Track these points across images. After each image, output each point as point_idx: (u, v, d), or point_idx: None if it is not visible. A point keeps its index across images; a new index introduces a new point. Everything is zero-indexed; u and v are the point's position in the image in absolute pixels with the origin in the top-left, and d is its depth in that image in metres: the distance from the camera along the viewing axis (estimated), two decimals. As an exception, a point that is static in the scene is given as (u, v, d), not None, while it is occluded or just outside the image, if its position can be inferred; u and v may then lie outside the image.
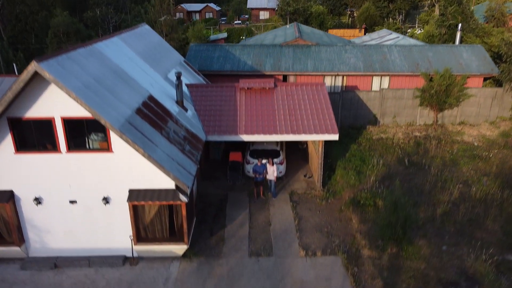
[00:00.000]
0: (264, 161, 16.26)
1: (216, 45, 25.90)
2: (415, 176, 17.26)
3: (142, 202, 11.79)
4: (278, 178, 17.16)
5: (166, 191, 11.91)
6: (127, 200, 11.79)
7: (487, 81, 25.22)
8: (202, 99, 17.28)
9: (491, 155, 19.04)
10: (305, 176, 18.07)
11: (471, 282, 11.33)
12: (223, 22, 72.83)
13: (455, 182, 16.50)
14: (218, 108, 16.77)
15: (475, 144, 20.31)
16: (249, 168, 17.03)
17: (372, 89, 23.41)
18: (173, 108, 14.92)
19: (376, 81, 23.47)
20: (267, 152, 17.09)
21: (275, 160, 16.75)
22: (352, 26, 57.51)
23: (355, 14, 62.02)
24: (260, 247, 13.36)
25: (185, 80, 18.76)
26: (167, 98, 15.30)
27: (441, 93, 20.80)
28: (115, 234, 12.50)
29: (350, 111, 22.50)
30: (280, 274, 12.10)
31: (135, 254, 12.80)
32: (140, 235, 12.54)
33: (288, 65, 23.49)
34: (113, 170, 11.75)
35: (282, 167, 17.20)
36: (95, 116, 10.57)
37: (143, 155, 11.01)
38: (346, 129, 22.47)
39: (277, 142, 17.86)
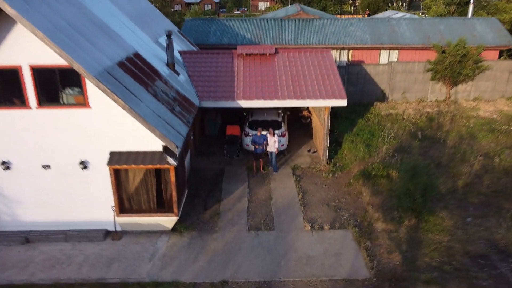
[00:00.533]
0: (264, 132, 14.75)
1: (213, 19, 24.41)
2: (430, 150, 15.73)
3: (125, 166, 10.28)
4: (279, 152, 15.65)
5: (153, 153, 10.40)
6: (107, 164, 10.28)
7: (502, 57, 23.68)
8: (196, 66, 15.76)
9: None
10: (309, 151, 16.55)
11: (504, 255, 9.82)
12: (222, 12, 71.28)
13: (476, 155, 14.97)
14: (214, 74, 15.25)
15: (494, 117, 18.77)
16: (247, 141, 15.51)
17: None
18: (163, 69, 13.41)
19: (384, 55, 21.94)
20: (267, 123, 15.57)
21: (276, 131, 15.23)
22: (355, 13, 56.01)
23: (357, 3, 60.53)
24: (260, 221, 11.86)
25: (178, 47, 17.25)
26: (156, 60, 13.79)
27: (455, 64, 19.26)
28: (95, 204, 10.99)
29: (356, 87, 20.97)
30: (283, 249, 10.60)
31: (118, 228, 11.29)
32: (123, 206, 11.03)
33: (290, 38, 21.97)
34: (91, 128, 10.24)
35: (284, 140, 15.69)
36: (67, 60, 9.06)
37: (124, 108, 9.50)
38: (352, 106, 20.92)
39: (278, 113, 16.35)
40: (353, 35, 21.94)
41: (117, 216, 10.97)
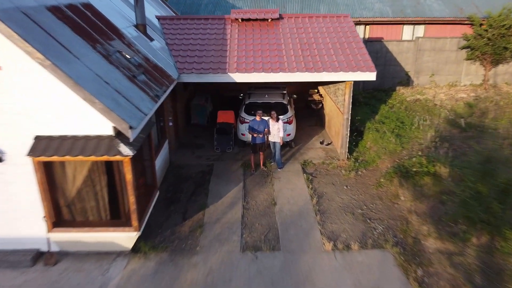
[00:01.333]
0: (266, 117, 11.29)
1: (205, -9, 20.88)
2: (480, 140, 12.23)
3: (56, 157, 6.81)
4: (285, 144, 12.17)
5: (98, 138, 6.94)
6: (29, 154, 6.81)
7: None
8: (178, 33, 12.29)
9: None
10: (321, 142, 13.07)
11: None
12: None
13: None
14: (200, 43, 11.77)
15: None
16: (244, 129, 12.04)
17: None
18: (128, 30, 9.94)
19: (407, 31, 18.44)
20: (269, 106, 12.10)
21: (281, 117, 11.75)
22: None
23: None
24: (259, 238, 8.39)
25: (157, 13, 13.78)
26: (119, 18, 10.33)
27: (498, 38, 15.76)
28: (18, 214, 7.52)
29: (376, 68, 17.40)
30: (293, 281, 7.12)
31: (54, 248, 7.83)
32: (60, 217, 7.57)
33: (296, 10, 18.49)
34: (4, 101, 6.78)
35: (291, 128, 12.19)
36: None
37: (44, 64, 6.04)
38: (370, 92, 17.49)
39: (283, 94, 12.86)
40: (370, 7, 18.45)
41: (49, 232, 7.49)
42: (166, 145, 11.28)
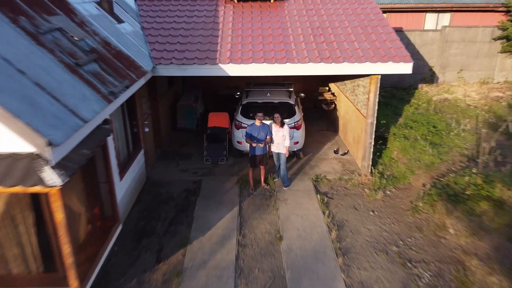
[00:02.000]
0: (268, 121, 8.86)
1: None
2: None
3: None
4: (291, 154, 9.71)
5: (13, 158, 4.47)
6: None
7: None
8: (158, 15, 9.83)
9: None
10: (336, 152, 10.63)
11: None
12: None
13: None
14: (185, 27, 9.32)
15: None
16: (240, 136, 9.59)
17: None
18: (83, 6, 7.48)
19: (430, 19, 16.00)
20: (272, 107, 9.64)
21: (287, 121, 9.29)
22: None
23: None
24: (260, 293, 5.95)
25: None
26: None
27: (543, 26, 13.33)
28: None
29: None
30: None
31: (-41, 317, 5.38)
32: (-35, 272, 5.13)
33: (302, -4, 16.00)
34: None
35: (299, 135, 9.73)
36: None
37: None
38: (389, 90, 15.04)
39: (289, 92, 10.40)
40: (388, -8, 15.98)
41: None
42: (141, 157, 8.83)
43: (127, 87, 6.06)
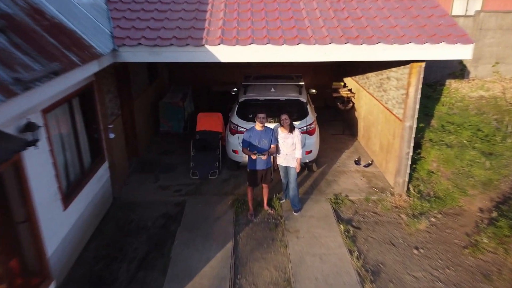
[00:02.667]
0: (273, 125, 6.67)
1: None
2: None
3: None
4: (302, 167, 7.48)
5: None
6: None
7: None
8: (131, -12, 7.61)
9: None
10: (357, 162, 8.44)
11: None
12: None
13: None
14: (162, 0, 7.08)
15: None
16: (236, 145, 7.40)
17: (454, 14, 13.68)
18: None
19: (459, 3, 13.83)
20: (278, 106, 7.42)
21: (297, 123, 7.05)
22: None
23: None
24: None
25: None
26: None
27: None
28: None
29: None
30: None
31: None
32: None
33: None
34: None
35: (313, 141, 7.50)
36: None
37: None
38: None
39: (299, 87, 8.16)
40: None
41: None
42: (103, 172, 6.62)
43: (55, 73, 3.85)
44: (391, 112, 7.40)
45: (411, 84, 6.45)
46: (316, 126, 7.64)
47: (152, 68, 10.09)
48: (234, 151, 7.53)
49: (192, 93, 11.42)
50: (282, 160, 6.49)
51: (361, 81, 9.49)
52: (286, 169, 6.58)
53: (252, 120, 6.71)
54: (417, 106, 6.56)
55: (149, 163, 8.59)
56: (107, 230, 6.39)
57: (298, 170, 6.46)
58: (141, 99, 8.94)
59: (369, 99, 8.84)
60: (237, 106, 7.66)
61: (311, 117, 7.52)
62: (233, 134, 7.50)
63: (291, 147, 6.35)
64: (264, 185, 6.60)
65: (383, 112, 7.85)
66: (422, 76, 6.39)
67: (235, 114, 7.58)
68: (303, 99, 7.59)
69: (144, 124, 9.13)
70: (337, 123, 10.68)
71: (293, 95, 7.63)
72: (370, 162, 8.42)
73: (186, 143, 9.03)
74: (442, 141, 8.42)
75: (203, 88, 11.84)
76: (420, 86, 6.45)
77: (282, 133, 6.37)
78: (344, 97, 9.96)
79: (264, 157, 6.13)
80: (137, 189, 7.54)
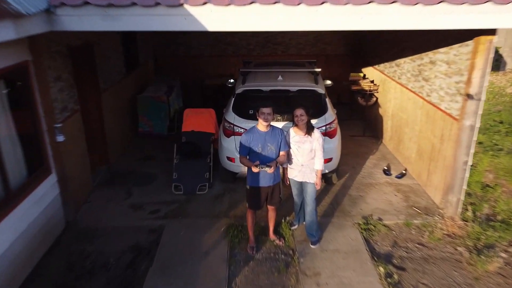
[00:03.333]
0: (280, 123, 4.83)
1: None
2: None
3: None
4: (324, 178, 5.60)
5: None
6: None
7: None
8: None
9: None
10: (387, 172, 6.61)
11: None
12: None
13: None
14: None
15: None
16: (232, 150, 5.56)
17: None
18: None
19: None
20: (287, 98, 5.57)
21: (314, 122, 5.16)
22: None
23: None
24: None
25: None
26: None
27: None
28: None
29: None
30: None
31: None
32: None
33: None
34: None
35: (333, 146, 5.64)
36: None
37: None
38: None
39: (314, 74, 6.28)
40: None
41: None
42: (48, 189, 4.80)
43: None
44: (438, 108, 5.57)
45: (475, 67, 4.62)
46: (337, 127, 5.80)
47: (131, 53, 8.28)
48: (229, 158, 5.70)
49: (182, 87, 9.61)
50: (295, 173, 4.66)
51: (388, 70, 7.66)
52: (301, 185, 4.75)
53: (254, 117, 4.88)
54: (483, 98, 4.72)
55: (122, 173, 6.76)
56: (52, 268, 4.57)
57: (318, 187, 4.64)
58: (113, 92, 7.11)
59: (400, 91, 7.01)
60: (233, 99, 5.82)
61: (331, 114, 5.69)
62: (228, 136, 5.67)
63: (309, 155, 4.53)
64: (270, 207, 4.77)
65: (424, 107, 6.02)
66: (492, 55, 4.56)
67: (230, 110, 5.74)
68: (320, 89, 5.75)
69: (117, 124, 7.30)
70: (355, 122, 8.84)
71: (307, 85, 5.79)
72: (404, 171, 6.59)
73: (170, 147, 7.13)
74: (496, 144, 6.58)
75: (195, 82, 10.03)
76: (489, 69, 4.62)
77: (296, 136, 4.54)
78: (366, 91, 8.12)
79: (270, 170, 4.29)
80: (101, 209, 5.70)
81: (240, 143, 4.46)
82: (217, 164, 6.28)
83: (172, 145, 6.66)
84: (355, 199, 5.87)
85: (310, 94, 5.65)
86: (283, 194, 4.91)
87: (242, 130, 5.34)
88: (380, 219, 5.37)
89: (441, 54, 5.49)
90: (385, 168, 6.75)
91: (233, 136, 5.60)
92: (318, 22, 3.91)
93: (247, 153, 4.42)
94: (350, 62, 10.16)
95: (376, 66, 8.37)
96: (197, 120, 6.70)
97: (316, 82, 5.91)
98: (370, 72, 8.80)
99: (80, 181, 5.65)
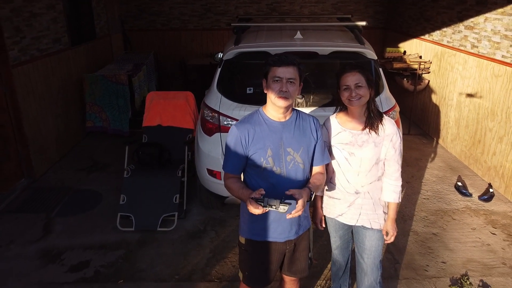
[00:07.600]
0: (308, 110, 2.33)
1: None
2: None
3: None
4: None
5: None
6: None
7: None
8: None
9: None
10: (462, 190, 4.18)
11: None
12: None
13: None
14: None
15: None
16: (217, 158, 3.12)
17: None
18: None
19: None
20: (311, 67, 3.14)
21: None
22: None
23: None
24: None
25: None
26: None
27: None
28: None
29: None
30: None
31: None
32: None
33: None
34: None
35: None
36: None
37: None
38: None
39: (355, 32, 3.82)
40: None
41: None
42: None
43: None
44: None
45: None
46: (399, 118, 3.36)
47: (83, 20, 5.84)
48: (211, 172, 3.26)
49: (158, 69, 7.18)
50: (341, 209, 2.24)
51: (451, 38, 5.23)
52: (354, 232, 2.32)
53: (253, 100, 2.47)
54: None
55: (48, 192, 4.32)
56: None
57: (390, 239, 2.22)
58: (42, 68, 4.68)
59: (477, 66, 4.60)
60: (219, 70, 3.38)
61: (389, 96, 3.27)
62: (210, 133, 3.24)
63: (372, 172, 2.11)
64: (289, 279, 2.31)
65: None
66: None
67: (214, 88, 3.31)
68: (370, 53, 3.31)
69: (50, 117, 4.86)
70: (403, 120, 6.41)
71: (348, 45, 3.36)
72: (491, 190, 4.17)
73: (132, 148, 4.69)
74: None
75: (176, 62, 7.62)
76: None
77: (344, 131, 2.13)
78: (415, 69, 5.67)
79: (292, 214, 1.84)
80: (13, 257, 3.28)
81: (226, 147, 2.03)
82: (195, 180, 3.86)
83: (134, 147, 4.23)
84: (427, 242, 3.44)
85: (353, 61, 3.20)
86: (313, 251, 2.46)
87: (232, 122, 2.93)
88: (482, 282, 2.95)
89: None
90: (459, 184, 4.33)
91: (218, 134, 3.18)
92: None
93: (239, 168, 2.01)
94: (381, 36, 7.75)
95: (425, 36, 5.95)
96: (167, 109, 4.26)
97: (361, 42, 3.46)
98: (413, 45, 6.37)
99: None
